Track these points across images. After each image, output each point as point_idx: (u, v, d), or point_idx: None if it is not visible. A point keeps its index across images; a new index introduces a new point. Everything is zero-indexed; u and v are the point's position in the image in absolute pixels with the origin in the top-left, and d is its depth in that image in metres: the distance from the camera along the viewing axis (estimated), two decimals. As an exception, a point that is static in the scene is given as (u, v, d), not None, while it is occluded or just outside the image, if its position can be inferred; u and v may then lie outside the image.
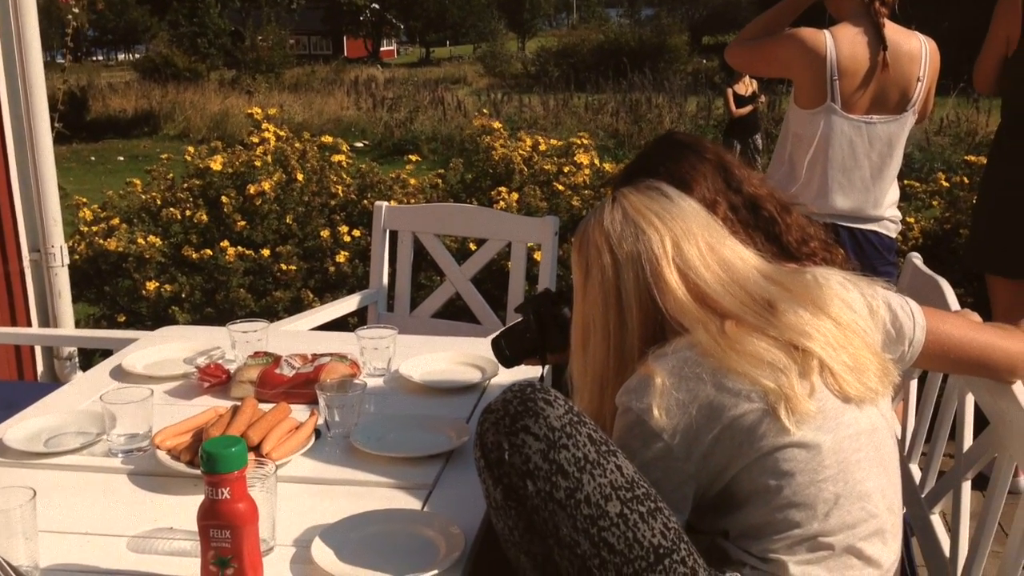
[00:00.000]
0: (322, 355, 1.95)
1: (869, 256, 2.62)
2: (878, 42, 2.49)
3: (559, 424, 1.15)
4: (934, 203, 3.99)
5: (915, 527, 1.87)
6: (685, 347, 1.27)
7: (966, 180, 3.88)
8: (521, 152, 3.91)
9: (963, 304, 3.43)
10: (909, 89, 2.53)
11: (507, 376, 1.95)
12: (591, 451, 1.14)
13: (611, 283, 1.35)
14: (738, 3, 51.07)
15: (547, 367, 1.78)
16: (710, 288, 1.31)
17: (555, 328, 1.67)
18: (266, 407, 1.67)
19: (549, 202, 3.70)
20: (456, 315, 3.21)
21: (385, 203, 3.08)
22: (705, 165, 1.67)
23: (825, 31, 2.50)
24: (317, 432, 1.66)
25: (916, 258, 2.37)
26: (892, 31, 2.51)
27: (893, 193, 2.66)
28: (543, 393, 1.18)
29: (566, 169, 3.83)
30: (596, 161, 3.85)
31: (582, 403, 1.39)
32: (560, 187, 3.68)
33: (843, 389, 1.26)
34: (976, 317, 1.76)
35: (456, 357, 2.11)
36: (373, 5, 56.67)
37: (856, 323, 1.34)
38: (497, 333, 1.80)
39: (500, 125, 4.08)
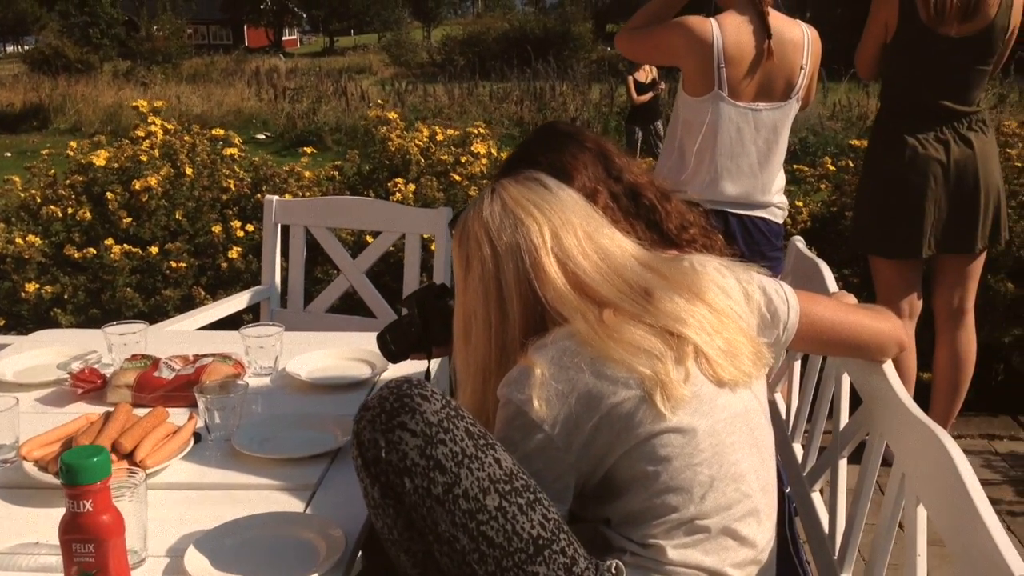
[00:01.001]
0: (204, 356, 1.89)
1: (758, 242, 2.68)
2: (763, 31, 2.54)
3: (436, 419, 1.13)
4: (822, 186, 4.10)
5: (798, 505, 1.91)
6: (564, 337, 1.27)
7: (851, 164, 4.00)
8: (418, 143, 3.87)
9: (849, 285, 3.56)
10: (793, 77, 2.59)
11: (397, 371, 1.92)
12: (469, 445, 1.13)
13: (491, 275, 1.34)
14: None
15: (435, 360, 1.77)
16: (588, 277, 1.32)
17: (439, 321, 1.64)
18: (143, 412, 1.61)
19: (446, 193, 3.67)
20: (353, 309, 3.16)
21: (276, 197, 3.02)
22: (585, 154, 1.67)
23: (711, 19, 2.54)
24: (197, 436, 1.61)
25: (799, 241, 2.42)
26: (776, 20, 2.56)
27: (780, 179, 2.72)
28: (419, 388, 1.16)
29: (463, 159, 3.80)
30: (494, 151, 3.84)
31: (465, 396, 1.38)
32: (457, 177, 3.66)
33: (717, 374, 1.28)
34: (851, 299, 1.81)
35: (345, 353, 2.07)
36: (274, -6, 55.59)
37: (731, 308, 1.35)
38: (383, 328, 1.77)
39: (396, 115, 4.03)
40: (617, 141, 11.07)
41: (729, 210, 2.65)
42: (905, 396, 1.48)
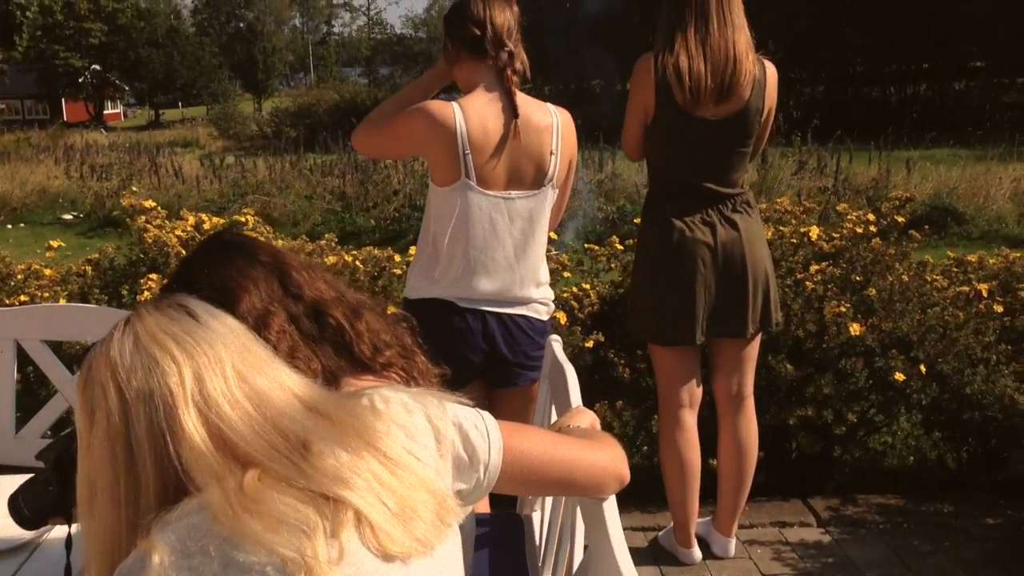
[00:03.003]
0: None
1: (520, 342, 2.48)
2: (509, 112, 2.37)
3: None
4: (612, 266, 4.00)
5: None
6: (194, 511, 1.00)
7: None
8: (179, 233, 3.53)
9: (639, 372, 3.44)
10: (544, 163, 2.42)
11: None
12: None
13: (118, 430, 1.06)
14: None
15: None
16: (234, 431, 1.05)
17: None
18: None
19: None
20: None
21: (-19, 308, 2.62)
22: (257, 269, 1.42)
23: (453, 103, 2.35)
24: None
25: (555, 342, 2.25)
26: (524, 103, 2.41)
27: (541, 273, 2.54)
28: None
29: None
30: (262, 239, 3.54)
31: (91, 584, 1.09)
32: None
33: (383, 545, 1.03)
34: (585, 419, 1.62)
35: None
36: (93, 66, 53.51)
37: (413, 454, 1.12)
38: (17, 488, 1.45)
39: (154, 204, 3.69)
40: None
41: (487, 308, 2.45)
42: (621, 551, 1.28)
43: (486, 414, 1.27)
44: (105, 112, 56.98)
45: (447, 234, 2.41)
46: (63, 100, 54.55)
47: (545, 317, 2.57)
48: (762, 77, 2.78)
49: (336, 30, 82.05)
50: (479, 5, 2.39)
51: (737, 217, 2.86)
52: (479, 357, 2.46)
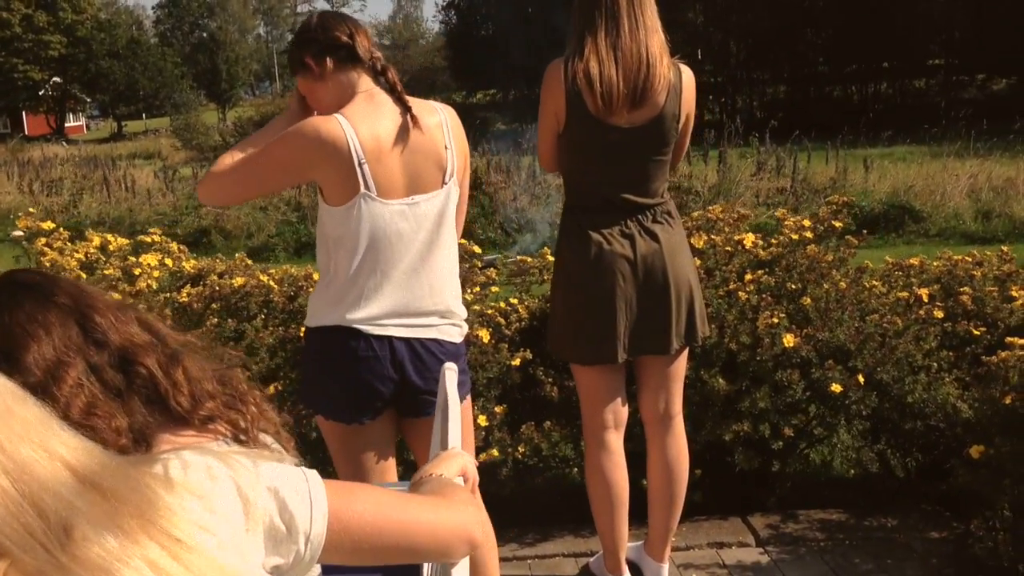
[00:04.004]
0: None
1: (432, 368, 2.31)
2: (398, 112, 2.23)
3: None
4: (546, 278, 3.85)
5: None
6: None
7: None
8: (79, 256, 3.35)
9: (568, 388, 3.29)
10: (441, 159, 2.28)
11: None
12: None
13: None
14: (436, 68, 52.69)
15: None
16: None
17: None
18: None
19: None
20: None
21: None
22: (51, 313, 1.24)
23: (336, 116, 2.18)
24: None
25: (449, 371, 2.10)
26: (411, 102, 2.27)
27: (452, 284, 2.39)
28: None
29: (137, 272, 3.32)
30: (168, 262, 3.37)
31: None
32: (117, 296, 3.15)
33: None
34: (456, 464, 1.47)
35: None
36: (54, 79, 52.83)
37: (210, 531, 0.96)
38: None
39: (53, 225, 3.50)
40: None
41: (394, 334, 2.28)
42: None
43: (312, 474, 1.12)
44: (67, 125, 56.32)
45: (349, 254, 2.24)
46: (24, 113, 53.81)
47: (458, 339, 2.41)
48: (678, 82, 2.65)
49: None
50: (332, 16, 2.28)
51: (658, 228, 2.73)
52: (388, 387, 2.29)
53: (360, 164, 2.17)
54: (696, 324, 2.81)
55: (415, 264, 2.28)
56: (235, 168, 2.21)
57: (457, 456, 1.49)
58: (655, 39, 2.61)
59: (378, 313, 2.26)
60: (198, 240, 11.82)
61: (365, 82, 2.24)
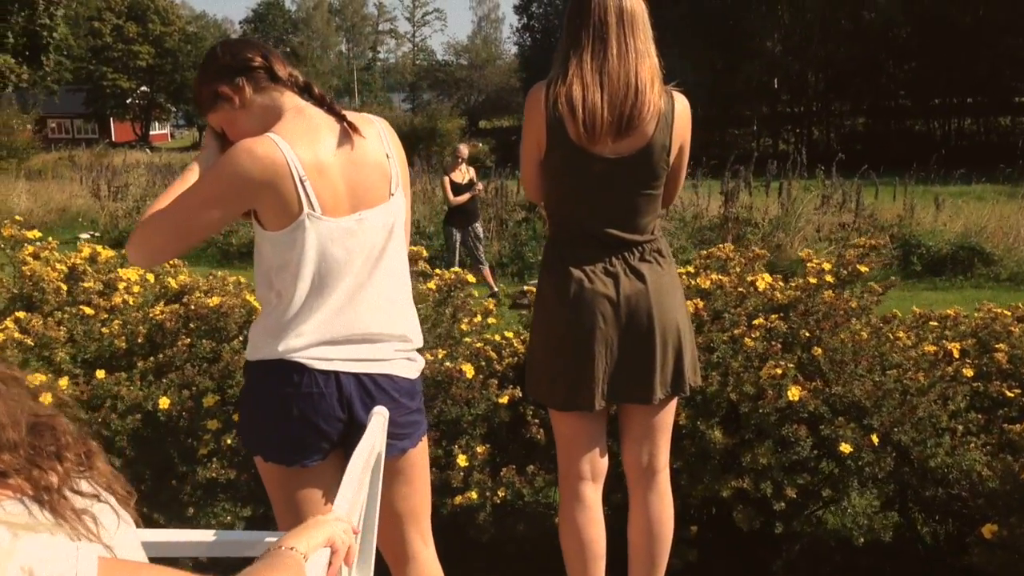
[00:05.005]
0: None
1: (385, 405, 2.15)
2: (333, 125, 2.08)
3: None
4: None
5: None
6: None
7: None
8: (61, 268, 3.27)
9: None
10: (384, 167, 2.13)
11: None
12: None
13: None
14: (511, 88, 52.95)
15: None
16: None
17: None
18: None
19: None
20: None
21: None
22: None
23: (269, 135, 2.02)
24: None
25: (377, 415, 1.94)
26: (346, 114, 2.12)
27: (407, 309, 2.22)
28: None
29: (121, 285, 3.23)
30: (150, 277, 3.27)
31: None
32: (88, 310, 3.06)
33: None
34: (320, 535, 1.31)
35: None
36: (142, 88, 54.49)
37: None
38: None
39: (39, 234, 3.44)
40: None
41: (341, 368, 2.11)
42: None
43: (86, 553, 0.96)
44: (152, 132, 58.01)
45: (293, 281, 2.07)
46: (111, 120, 55.55)
47: (414, 375, 2.24)
48: (669, 111, 2.45)
49: (381, 56, 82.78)
50: (237, 42, 2.15)
51: (645, 267, 2.52)
52: (335, 427, 2.10)
53: (301, 181, 2.00)
54: (685, 372, 2.58)
55: (363, 284, 2.12)
56: (162, 219, 2.01)
57: (324, 525, 1.32)
58: (645, 64, 2.42)
59: (325, 339, 2.08)
60: (251, 250, 11.86)
61: (291, 99, 2.10)
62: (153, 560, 1.20)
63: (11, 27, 24.67)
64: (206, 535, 1.90)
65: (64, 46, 32.94)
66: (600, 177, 2.45)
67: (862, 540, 3.13)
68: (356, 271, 2.10)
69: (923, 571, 3.28)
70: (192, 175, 2.11)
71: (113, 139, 49.98)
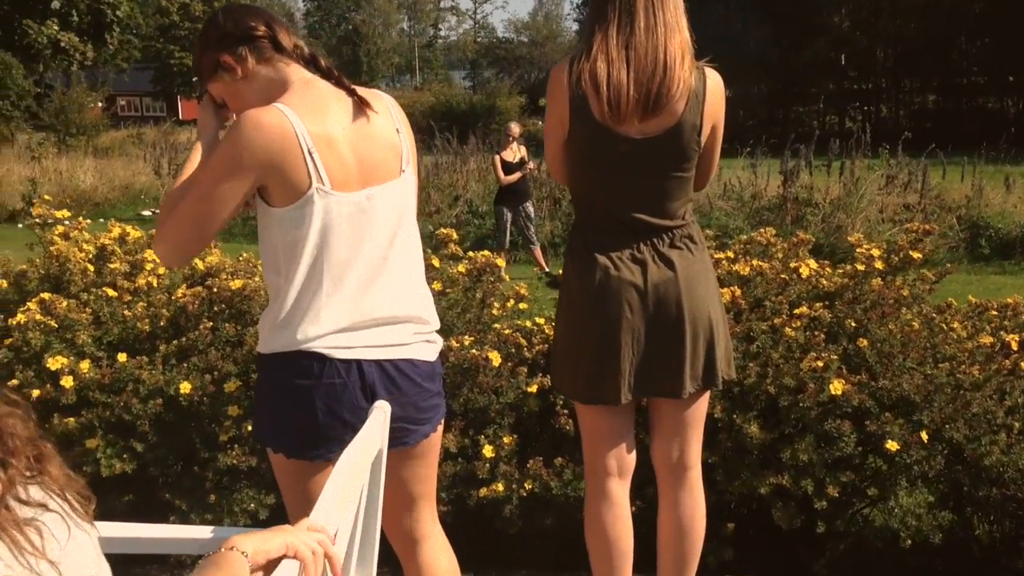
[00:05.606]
0: None
1: (407, 393, 2.05)
2: (340, 95, 1.99)
3: None
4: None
5: None
6: None
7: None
8: (89, 248, 3.24)
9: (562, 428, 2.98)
10: (395, 142, 2.04)
11: None
12: None
13: None
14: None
15: None
16: None
17: None
18: None
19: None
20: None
21: None
22: None
23: (276, 105, 1.93)
24: None
25: (377, 410, 1.85)
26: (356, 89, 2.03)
27: (421, 289, 2.13)
28: None
29: (148, 267, 3.19)
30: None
31: None
32: (111, 292, 3.03)
33: None
34: (277, 540, 1.23)
35: None
36: (207, 66, 55.13)
37: None
38: None
39: (68, 213, 3.41)
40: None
41: (362, 356, 2.01)
42: None
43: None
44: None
45: (303, 262, 1.99)
46: (179, 98, 56.40)
47: (433, 357, 2.14)
48: (700, 88, 2.30)
49: (443, 33, 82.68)
50: (240, 9, 2.03)
51: (674, 254, 2.39)
52: (360, 417, 1.97)
53: (310, 153, 1.90)
54: (717, 365, 2.45)
55: (378, 266, 2.02)
56: (180, 214, 1.93)
57: (283, 532, 1.23)
58: (675, 38, 2.28)
59: (344, 326, 1.98)
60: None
61: (297, 71, 2.01)
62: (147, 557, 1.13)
63: (76, 5, 25.12)
64: (203, 531, 1.84)
65: (133, 24, 33.49)
66: (626, 158, 2.32)
67: (909, 542, 2.97)
68: (370, 251, 2.01)
69: (976, 573, 3.11)
70: (195, 161, 2.04)
71: (180, 117, 50.80)
